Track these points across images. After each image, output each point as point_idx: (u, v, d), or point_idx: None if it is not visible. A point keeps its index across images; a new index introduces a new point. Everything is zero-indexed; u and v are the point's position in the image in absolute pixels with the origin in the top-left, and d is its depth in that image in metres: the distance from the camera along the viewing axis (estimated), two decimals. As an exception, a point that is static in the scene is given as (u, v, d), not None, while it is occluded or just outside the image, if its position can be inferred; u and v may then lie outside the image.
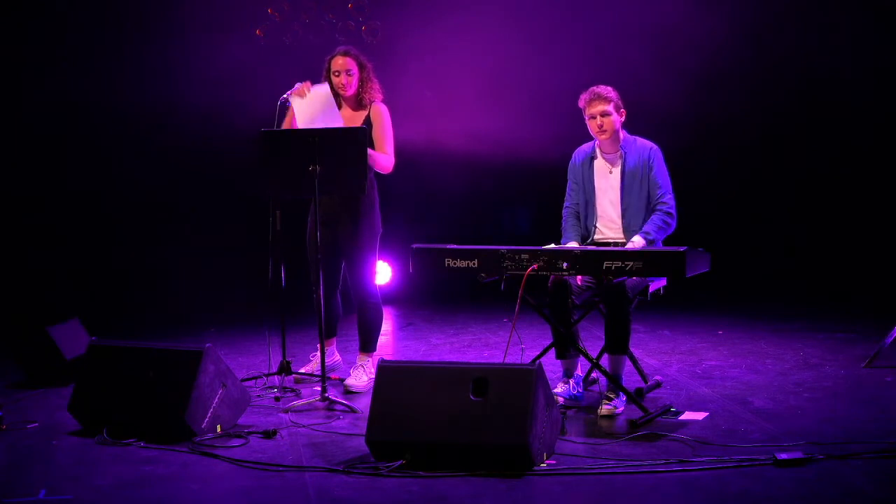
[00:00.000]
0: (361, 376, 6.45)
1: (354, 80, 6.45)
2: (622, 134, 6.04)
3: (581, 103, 6.00)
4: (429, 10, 9.43)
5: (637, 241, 5.87)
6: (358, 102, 6.49)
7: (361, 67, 6.47)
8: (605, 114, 5.93)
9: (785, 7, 9.48)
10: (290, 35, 9.64)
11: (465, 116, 9.40)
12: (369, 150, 6.24)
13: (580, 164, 6.13)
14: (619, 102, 5.99)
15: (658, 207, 5.95)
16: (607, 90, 5.96)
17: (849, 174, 9.62)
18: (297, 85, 6.46)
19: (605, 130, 5.97)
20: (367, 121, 6.45)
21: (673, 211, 5.96)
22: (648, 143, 6.05)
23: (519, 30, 9.53)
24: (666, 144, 6.16)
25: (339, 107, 6.49)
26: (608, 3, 9.51)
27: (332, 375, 6.57)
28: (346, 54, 6.46)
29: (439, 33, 9.39)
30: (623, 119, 6.00)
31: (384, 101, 6.53)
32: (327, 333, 6.56)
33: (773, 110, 9.71)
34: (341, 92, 6.46)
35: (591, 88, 5.99)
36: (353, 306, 6.62)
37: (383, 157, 6.43)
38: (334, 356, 6.77)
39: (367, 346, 6.60)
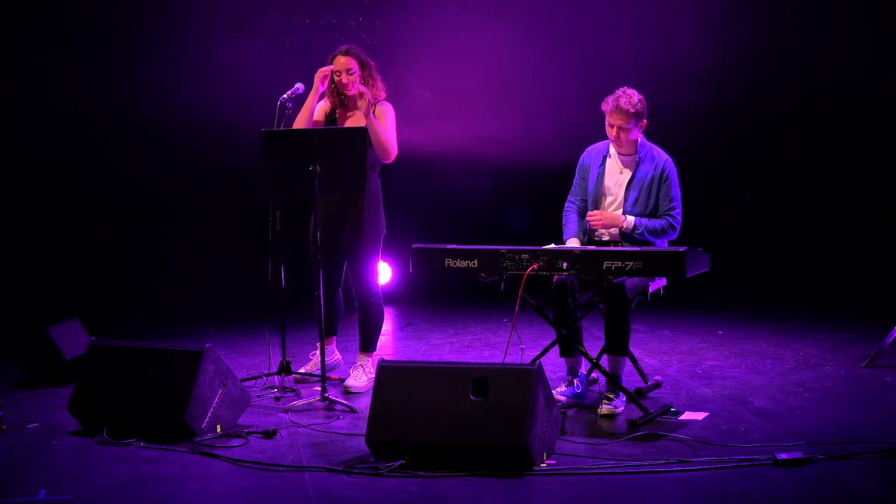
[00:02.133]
0: (361, 376, 6.45)
1: (356, 79, 6.41)
2: (640, 138, 6.02)
3: (604, 107, 5.93)
4: (428, 10, 9.43)
5: (629, 219, 5.89)
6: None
7: (363, 66, 6.44)
8: (622, 129, 5.88)
9: (785, 7, 9.48)
10: (290, 35, 9.64)
11: (465, 116, 9.40)
12: (375, 123, 6.26)
13: (592, 163, 6.11)
14: (644, 112, 5.89)
15: (665, 217, 5.94)
16: (631, 103, 5.85)
17: (849, 174, 9.61)
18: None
19: (622, 143, 5.95)
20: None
21: (677, 225, 5.95)
22: (664, 155, 6.02)
23: (519, 30, 9.53)
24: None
25: (344, 107, 6.51)
26: (609, 4, 9.51)
27: (332, 375, 6.57)
28: (346, 53, 6.43)
29: (439, 33, 9.38)
30: (643, 128, 5.97)
31: (388, 100, 6.53)
32: (328, 332, 6.56)
33: (773, 109, 9.70)
34: (344, 91, 6.44)
35: (618, 95, 5.89)
36: (353, 306, 6.63)
37: (387, 137, 6.36)
38: (334, 355, 6.77)
39: (368, 345, 6.59)
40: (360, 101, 6.29)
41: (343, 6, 9.71)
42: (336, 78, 6.43)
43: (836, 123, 9.58)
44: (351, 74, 6.40)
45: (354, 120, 6.49)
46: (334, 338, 6.76)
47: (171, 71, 9.48)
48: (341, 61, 6.42)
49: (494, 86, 9.54)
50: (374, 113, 6.38)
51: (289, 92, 6.46)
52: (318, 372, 6.33)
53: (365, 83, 6.41)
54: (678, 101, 9.13)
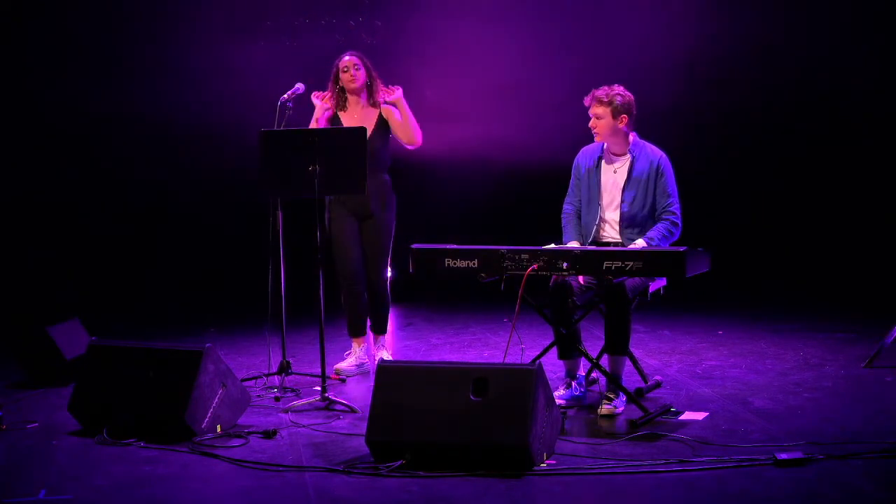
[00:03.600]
0: (385, 356, 6.74)
1: (362, 73, 6.63)
2: (632, 137, 6.00)
3: (585, 101, 5.99)
4: (428, 10, 9.43)
5: (639, 244, 5.86)
6: (370, 101, 6.66)
7: (367, 68, 6.68)
8: (598, 116, 5.92)
9: (786, 7, 9.48)
10: (290, 35, 9.65)
11: (465, 116, 9.40)
12: (408, 113, 6.60)
13: (586, 164, 6.10)
14: (624, 107, 5.88)
15: (664, 216, 5.92)
16: (607, 93, 5.88)
17: (849, 173, 9.61)
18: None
19: (597, 133, 5.98)
20: (380, 119, 6.65)
21: (679, 221, 5.94)
22: (658, 151, 6.01)
23: (520, 30, 9.53)
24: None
25: (345, 108, 6.66)
26: (610, 5, 9.51)
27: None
28: (353, 54, 6.68)
29: (439, 33, 9.39)
30: (626, 123, 5.94)
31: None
32: (359, 332, 6.81)
33: (773, 110, 9.70)
34: (349, 86, 6.62)
35: (600, 88, 5.95)
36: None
37: (415, 122, 6.67)
38: (364, 356, 6.88)
39: (382, 327, 6.85)
40: (390, 98, 6.63)
41: (343, 6, 9.71)
42: (343, 75, 6.61)
43: (837, 122, 9.58)
44: (357, 69, 6.62)
45: (355, 120, 6.62)
46: (364, 338, 6.85)
47: (171, 71, 9.48)
48: (347, 59, 6.64)
49: (494, 86, 9.54)
50: (381, 113, 6.66)
51: (289, 92, 6.52)
52: (351, 369, 6.71)
53: (372, 83, 6.66)
54: (678, 100, 9.14)
